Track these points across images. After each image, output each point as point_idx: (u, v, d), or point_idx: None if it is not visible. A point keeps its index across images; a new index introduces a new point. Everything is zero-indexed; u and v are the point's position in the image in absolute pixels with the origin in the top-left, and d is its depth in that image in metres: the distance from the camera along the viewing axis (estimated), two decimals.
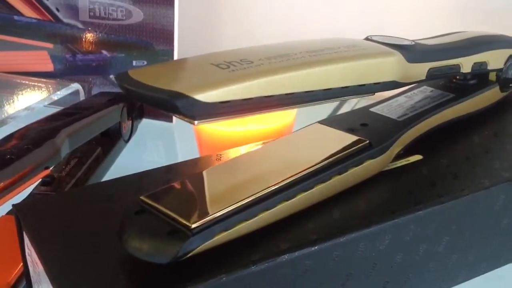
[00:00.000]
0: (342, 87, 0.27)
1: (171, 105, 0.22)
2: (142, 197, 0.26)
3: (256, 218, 0.26)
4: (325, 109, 0.57)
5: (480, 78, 0.40)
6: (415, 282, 0.31)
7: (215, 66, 0.24)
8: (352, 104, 0.58)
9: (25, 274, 0.31)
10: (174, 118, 0.58)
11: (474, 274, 0.34)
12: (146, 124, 0.56)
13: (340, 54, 0.28)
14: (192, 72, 0.25)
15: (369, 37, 0.31)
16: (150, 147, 0.57)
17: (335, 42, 0.29)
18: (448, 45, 0.34)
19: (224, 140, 0.42)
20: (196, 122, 0.23)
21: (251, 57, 0.25)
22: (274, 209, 0.27)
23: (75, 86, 0.59)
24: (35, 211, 0.29)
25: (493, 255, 0.34)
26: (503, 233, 0.34)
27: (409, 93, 0.38)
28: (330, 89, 0.27)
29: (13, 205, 0.30)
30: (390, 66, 0.29)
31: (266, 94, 0.24)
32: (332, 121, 0.34)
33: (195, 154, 0.46)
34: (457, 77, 0.39)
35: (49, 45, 0.61)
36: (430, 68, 0.32)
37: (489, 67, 0.37)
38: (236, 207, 0.26)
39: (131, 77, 0.23)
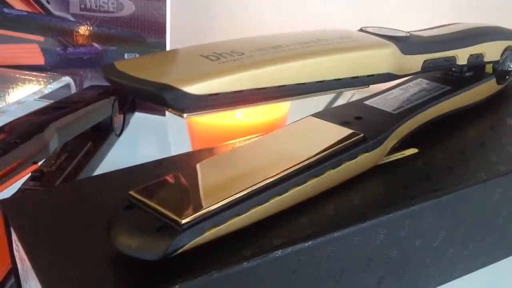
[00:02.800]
0: (336, 79, 0.27)
1: (158, 97, 0.21)
2: (131, 192, 0.26)
3: (248, 213, 0.26)
4: (321, 101, 0.56)
5: (476, 70, 0.39)
6: (411, 277, 0.31)
7: (205, 58, 0.24)
8: (347, 97, 0.57)
9: (13, 270, 0.30)
10: (167, 111, 0.57)
11: (470, 269, 0.33)
12: (138, 118, 0.55)
13: (333, 46, 0.27)
14: (181, 64, 0.25)
15: (364, 29, 0.31)
16: (143, 141, 0.56)
17: (328, 34, 0.29)
18: (443, 37, 0.34)
19: (217, 133, 0.42)
20: (185, 115, 0.22)
21: (242, 49, 0.25)
22: (267, 204, 0.26)
23: (66, 79, 0.58)
24: (22, 206, 0.29)
25: (489, 250, 0.34)
26: (499, 227, 0.33)
27: (404, 86, 0.38)
28: (323, 81, 0.26)
29: (0, 200, 0.29)
30: (385, 58, 0.29)
31: (257, 87, 0.24)
32: (326, 114, 0.33)
33: (188, 148, 0.45)
34: (453, 69, 0.39)
35: (40, 38, 0.60)
36: (426, 60, 0.31)
37: (485, 59, 0.36)
38: (228, 202, 0.25)
39: (117, 68, 0.23)
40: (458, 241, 0.31)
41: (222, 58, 0.24)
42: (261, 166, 0.29)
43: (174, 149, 0.55)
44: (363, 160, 0.30)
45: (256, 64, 0.24)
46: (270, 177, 0.27)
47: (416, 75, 0.37)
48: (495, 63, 0.38)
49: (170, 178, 0.28)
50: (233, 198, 0.25)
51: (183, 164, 0.32)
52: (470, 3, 0.62)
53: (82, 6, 0.58)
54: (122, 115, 0.51)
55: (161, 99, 0.21)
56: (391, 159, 0.32)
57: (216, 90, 0.22)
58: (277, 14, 0.68)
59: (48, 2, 0.59)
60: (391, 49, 0.29)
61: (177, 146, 0.55)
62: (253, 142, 0.33)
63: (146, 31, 0.57)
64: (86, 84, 0.60)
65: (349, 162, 0.30)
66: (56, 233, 0.27)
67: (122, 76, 0.23)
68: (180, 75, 0.22)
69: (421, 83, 0.38)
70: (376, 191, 0.30)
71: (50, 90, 0.56)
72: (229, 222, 0.25)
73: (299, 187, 0.28)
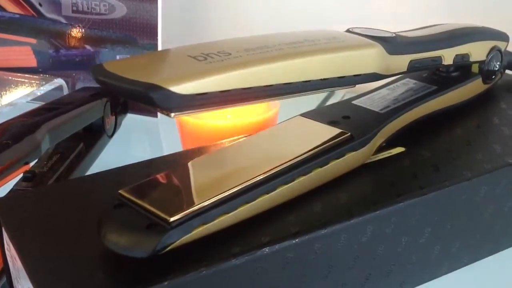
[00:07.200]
0: (322, 79, 0.27)
1: (146, 97, 0.22)
2: (121, 191, 0.26)
3: (236, 211, 0.26)
4: (312, 102, 0.57)
5: (462, 70, 0.40)
6: (397, 274, 0.31)
7: (192, 58, 0.24)
8: (338, 97, 0.58)
9: (5, 269, 0.30)
10: (159, 113, 0.57)
11: (457, 265, 0.34)
12: (131, 119, 0.55)
13: (320, 46, 0.28)
14: (169, 64, 0.25)
15: (350, 29, 0.31)
16: (135, 142, 0.56)
17: (315, 34, 0.29)
18: (429, 37, 0.34)
19: (207, 133, 0.42)
20: (172, 114, 0.23)
21: (229, 49, 0.25)
22: (255, 202, 0.27)
23: (59, 81, 0.58)
24: (14, 206, 0.29)
25: (475, 247, 0.34)
26: (485, 224, 0.34)
27: (391, 86, 0.38)
28: (310, 81, 0.27)
29: None
30: (371, 58, 0.29)
31: (244, 86, 0.24)
32: (314, 114, 0.34)
33: (180, 149, 0.46)
34: (440, 69, 0.39)
35: (32, 40, 0.60)
36: (412, 60, 0.32)
37: (471, 59, 0.37)
38: (216, 200, 0.26)
39: (106, 69, 0.23)
40: (444, 238, 0.32)
41: (209, 58, 0.24)
42: (249, 165, 0.29)
43: (166, 150, 0.55)
44: (351, 159, 0.31)
45: (243, 64, 0.24)
46: (259, 176, 0.27)
47: (402, 75, 0.37)
48: (481, 63, 0.39)
49: (160, 177, 0.28)
50: (222, 196, 0.26)
51: (173, 164, 0.33)
52: (457, 4, 0.63)
53: (74, 8, 0.58)
54: (114, 117, 0.51)
55: (149, 98, 0.22)
56: (378, 158, 0.33)
57: (203, 89, 0.23)
58: (271, 15, 0.69)
59: (40, 5, 0.59)
60: (377, 49, 0.29)
61: (169, 147, 0.55)
62: (242, 141, 0.33)
63: (138, 33, 0.57)
64: (79, 86, 0.60)
65: (337, 161, 0.30)
66: (48, 233, 0.27)
67: (111, 76, 0.23)
68: (167, 75, 0.23)
69: (408, 83, 0.38)
70: (363, 189, 0.31)
71: (42, 92, 0.56)
72: (217, 220, 0.25)
73: (287, 185, 0.28)
